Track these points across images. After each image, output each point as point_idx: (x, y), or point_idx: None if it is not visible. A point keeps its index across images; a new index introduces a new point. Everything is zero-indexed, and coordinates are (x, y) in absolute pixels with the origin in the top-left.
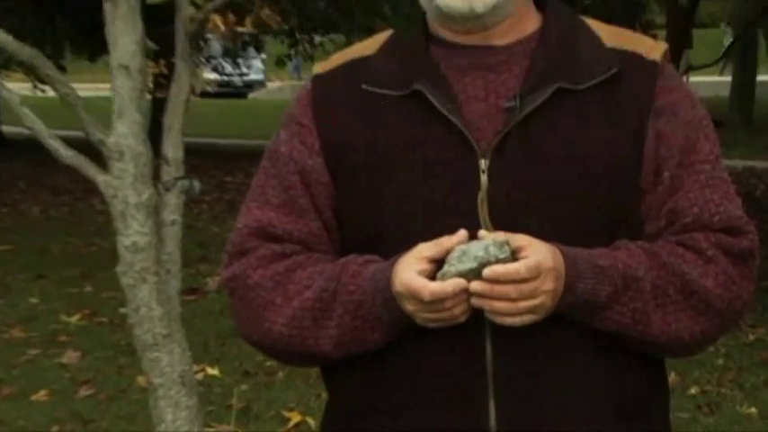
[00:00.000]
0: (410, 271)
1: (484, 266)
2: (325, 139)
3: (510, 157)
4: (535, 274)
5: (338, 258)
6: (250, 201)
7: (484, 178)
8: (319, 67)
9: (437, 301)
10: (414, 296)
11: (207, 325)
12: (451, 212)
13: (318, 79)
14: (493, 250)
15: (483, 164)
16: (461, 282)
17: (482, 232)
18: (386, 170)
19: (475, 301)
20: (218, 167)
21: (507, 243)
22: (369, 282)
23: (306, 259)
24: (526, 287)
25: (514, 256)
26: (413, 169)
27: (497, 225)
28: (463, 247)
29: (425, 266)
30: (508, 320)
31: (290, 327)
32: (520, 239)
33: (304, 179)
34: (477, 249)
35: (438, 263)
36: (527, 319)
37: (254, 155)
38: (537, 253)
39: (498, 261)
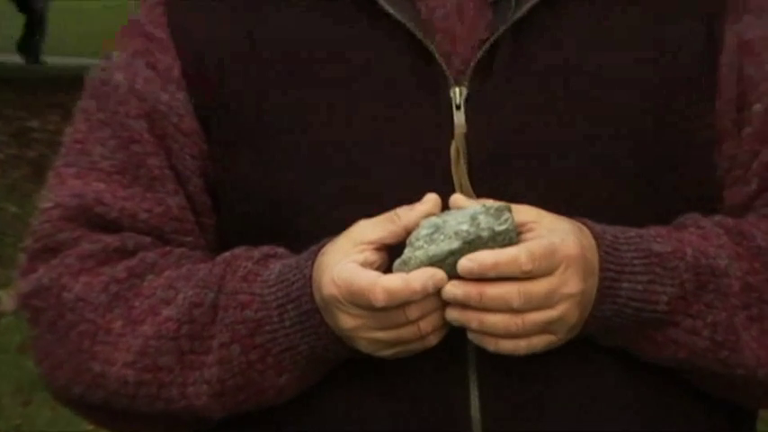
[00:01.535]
0: (347, 262)
1: (472, 247)
2: (189, 61)
3: (500, 84)
4: (548, 266)
5: (216, 254)
6: (65, 165)
7: (459, 116)
8: None
9: (396, 308)
10: (356, 301)
11: (1, 370)
12: (408, 173)
13: None
14: (485, 220)
15: (458, 94)
16: (437, 273)
17: (456, 197)
18: (297, 108)
19: (452, 315)
20: (18, 105)
21: (508, 209)
22: (272, 288)
23: (161, 257)
24: (536, 288)
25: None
26: (343, 106)
27: (481, 190)
28: (435, 219)
29: (371, 256)
30: (508, 346)
31: (138, 368)
32: (523, 212)
33: (155, 127)
34: (458, 222)
35: (392, 250)
36: (538, 342)
37: (80, 84)
38: (551, 232)
39: (496, 236)
